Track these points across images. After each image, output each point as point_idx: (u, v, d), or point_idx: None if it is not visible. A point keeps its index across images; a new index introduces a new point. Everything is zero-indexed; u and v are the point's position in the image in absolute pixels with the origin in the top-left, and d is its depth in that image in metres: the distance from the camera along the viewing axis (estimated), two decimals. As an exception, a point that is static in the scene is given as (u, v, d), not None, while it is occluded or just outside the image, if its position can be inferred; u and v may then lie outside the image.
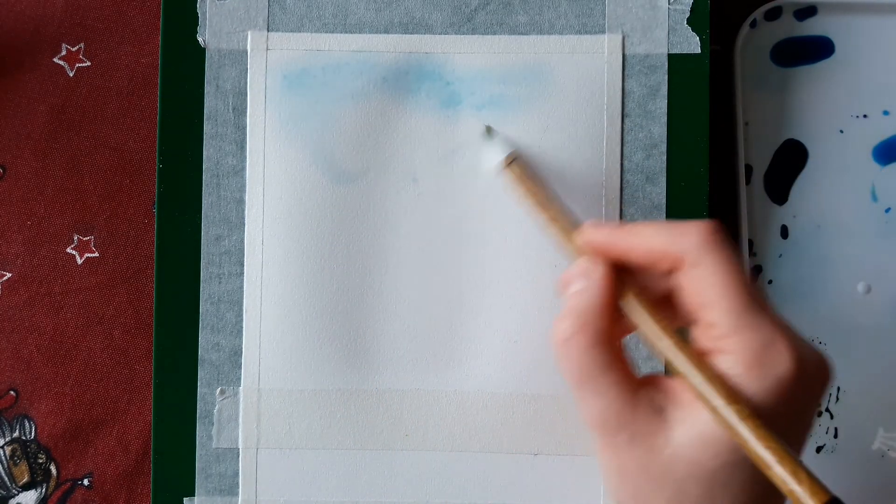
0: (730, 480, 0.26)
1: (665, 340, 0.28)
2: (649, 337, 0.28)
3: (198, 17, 0.38)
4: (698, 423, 0.27)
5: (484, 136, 0.37)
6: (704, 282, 0.27)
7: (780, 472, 0.25)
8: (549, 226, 0.32)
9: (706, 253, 0.27)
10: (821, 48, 0.41)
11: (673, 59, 0.38)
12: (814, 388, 0.28)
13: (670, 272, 0.29)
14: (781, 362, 0.26)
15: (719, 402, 0.26)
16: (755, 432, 0.25)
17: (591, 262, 0.29)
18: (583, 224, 0.31)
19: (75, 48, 0.41)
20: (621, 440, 0.27)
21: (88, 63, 0.41)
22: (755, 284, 0.28)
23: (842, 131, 0.40)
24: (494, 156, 0.36)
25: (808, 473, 0.25)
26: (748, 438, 0.25)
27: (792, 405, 0.26)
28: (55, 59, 0.41)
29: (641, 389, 0.28)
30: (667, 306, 0.29)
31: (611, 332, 0.28)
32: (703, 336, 0.28)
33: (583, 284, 0.29)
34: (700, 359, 0.27)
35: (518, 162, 0.35)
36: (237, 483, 0.37)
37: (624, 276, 0.29)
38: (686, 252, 0.28)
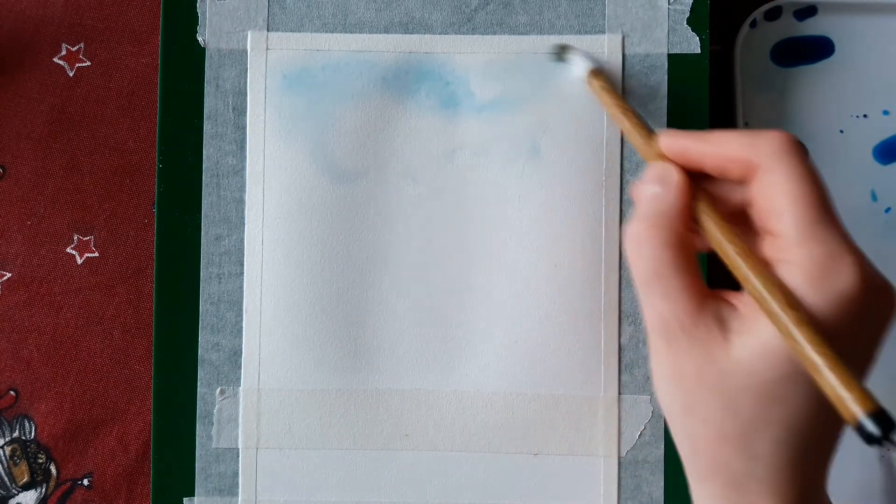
0: (785, 395, 0.26)
1: (729, 247, 0.27)
2: (716, 243, 0.28)
3: (198, 17, 0.38)
4: (760, 336, 0.26)
5: (557, 55, 0.37)
6: (776, 189, 0.27)
7: (829, 377, 0.24)
8: (629, 132, 0.32)
9: (781, 160, 0.27)
10: (821, 48, 0.41)
11: (673, 59, 0.38)
12: (878, 315, 0.27)
13: (743, 182, 0.28)
14: (845, 278, 0.26)
15: (776, 306, 0.25)
16: (808, 337, 0.24)
17: (667, 167, 0.29)
18: (660, 132, 0.31)
19: (75, 48, 0.41)
20: (681, 345, 0.27)
21: (88, 63, 0.41)
22: (826, 196, 0.27)
23: (842, 131, 0.40)
24: (578, 69, 0.36)
25: (859, 382, 0.24)
26: (801, 342, 0.24)
27: (853, 325, 0.26)
28: (55, 59, 0.41)
29: (709, 299, 0.28)
30: (739, 219, 0.29)
31: (684, 238, 0.28)
32: (770, 246, 0.28)
33: (658, 189, 0.29)
34: (763, 266, 0.27)
35: (601, 74, 0.35)
36: (237, 483, 0.37)
37: (698, 185, 0.29)
38: (761, 158, 0.27)
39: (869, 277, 0.26)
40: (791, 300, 0.25)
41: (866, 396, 0.23)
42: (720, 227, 0.28)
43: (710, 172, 0.29)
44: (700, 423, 0.27)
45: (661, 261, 0.28)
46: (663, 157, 0.30)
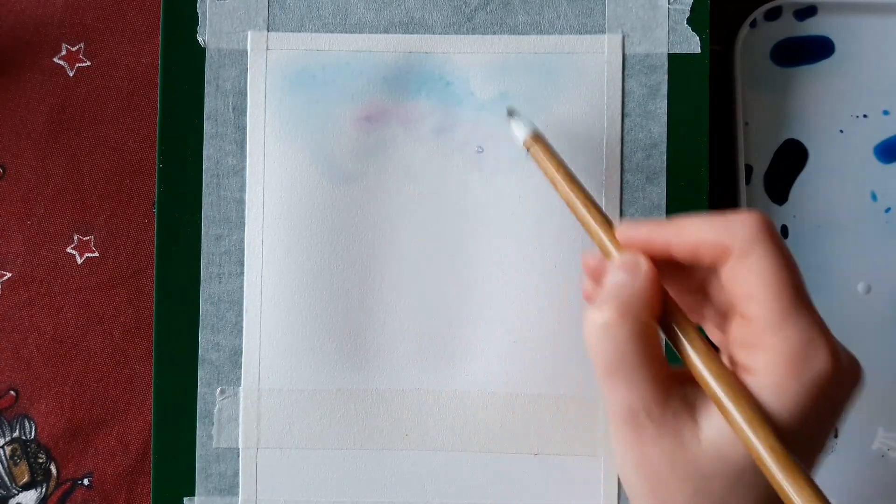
0: (755, 481, 0.26)
1: (697, 359, 0.27)
2: (681, 350, 0.28)
3: (198, 17, 0.38)
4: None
5: (508, 118, 0.36)
6: (751, 273, 0.27)
7: (783, 481, 0.25)
8: (582, 217, 0.32)
9: (757, 244, 0.27)
10: (821, 48, 0.41)
11: (673, 58, 0.38)
12: (847, 389, 0.27)
13: (712, 266, 0.28)
14: (820, 362, 0.26)
15: (742, 423, 0.26)
16: (775, 456, 0.25)
17: (638, 256, 0.29)
18: (619, 223, 0.30)
19: (75, 48, 0.41)
20: (649, 433, 0.27)
21: (88, 63, 0.41)
22: (801, 281, 0.27)
23: (842, 131, 0.40)
24: (522, 131, 0.35)
25: (815, 489, 0.24)
26: (769, 463, 0.25)
27: (827, 405, 0.26)
28: (55, 59, 0.41)
29: (675, 384, 0.27)
30: (695, 299, 0.29)
31: (652, 326, 0.28)
32: (740, 330, 0.27)
33: (627, 276, 0.28)
34: (728, 376, 0.26)
35: (541, 141, 0.34)
36: (237, 483, 0.37)
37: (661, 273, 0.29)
38: (736, 242, 0.27)
39: (840, 359, 0.26)
40: (756, 418, 0.25)
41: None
42: (684, 328, 0.28)
43: (678, 259, 0.29)
44: None
45: (626, 351, 0.27)
46: (625, 246, 0.30)
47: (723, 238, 0.27)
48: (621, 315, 0.27)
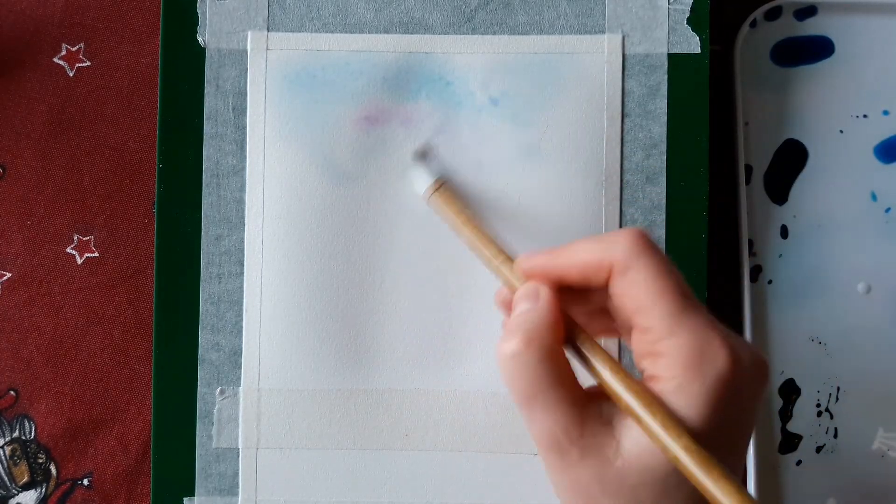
0: (682, 482, 0.26)
1: (603, 370, 0.28)
2: (588, 365, 0.29)
3: (198, 17, 0.38)
4: None
5: (416, 158, 0.37)
6: (637, 287, 0.28)
7: (705, 481, 0.25)
8: (480, 252, 0.33)
9: (635, 258, 0.28)
10: (821, 48, 0.41)
11: (673, 59, 0.38)
12: (752, 386, 0.28)
13: (602, 286, 0.29)
14: (718, 361, 0.26)
15: (655, 426, 0.26)
16: (689, 452, 0.25)
17: (537, 285, 0.30)
18: (516, 256, 0.31)
19: (75, 48, 0.41)
20: (572, 456, 0.27)
21: (88, 63, 0.41)
22: (686, 285, 0.28)
23: (842, 131, 0.40)
24: (421, 180, 0.36)
25: (737, 484, 0.25)
26: (683, 460, 0.25)
27: (732, 402, 0.27)
28: (55, 59, 0.41)
29: (590, 402, 0.28)
30: (602, 321, 0.30)
31: (558, 351, 0.28)
32: (639, 341, 0.28)
33: (528, 305, 0.29)
34: (634, 384, 0.27)
35: (446, 187, 0.35)
36: (237, 483, 0.37)
37: (563, 298, 0.30)
38: (617, 259, 0.28)
39: (739, 354, 0.27)
40: (666, 415, 0.26)
41: (748, 501, 0.25)
42: (589, 346, 0.28)
43: (574, 284, 0.29)
44: None
45: (537, 377, 0.28)
46: (526, 277, 0.30)
47: (604, 257, 0.28)
48: (527, 343, 0.28)
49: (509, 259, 0.32)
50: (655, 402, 0.26)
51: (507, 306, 0.32)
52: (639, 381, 0.27)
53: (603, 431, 0.27)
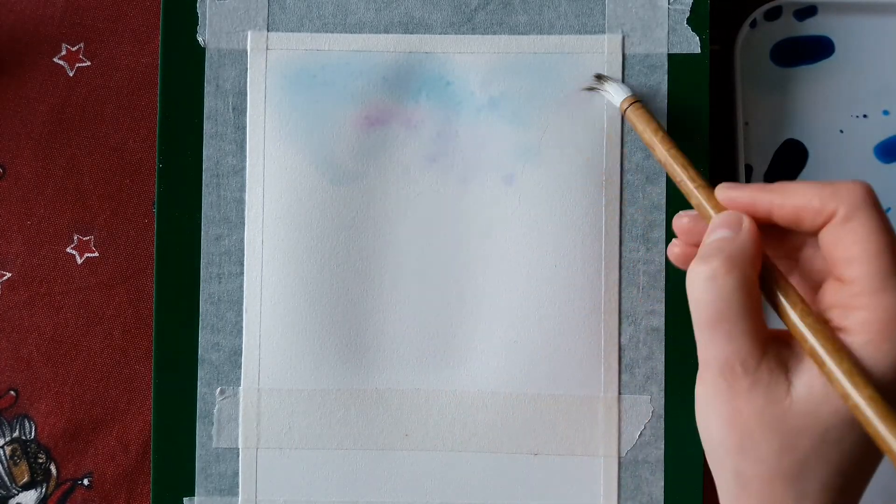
0: (840, 437, 0.27)
1: (790, 309, 0.28)
2: (777, 304, 0.29)
3: (198, 17, 0.38)
4: (821, 379, 0.27)
5: (595, 83, 0.37)
6: (854, 237, 0.27)
7: (886, 437, 0.25)
8: (675, 173, 0.33)
9: (861, 209, 0.28)
10: (821, 48, 0.41)
11: (673, 58, 0.38)
12: None
13: (810, 230, 0.29)
14: None
15: (837, 371, 0.27)
16: (874, 406, 0.26)
17: (739, 214, 0.30)
18: (718, 184, 0.31)
19: (75, 48, 0.41)
20: (742, 386, 0.28)
21: (88, 63, 0.41)
22: None
23: (842, 131, 0.40)
24: (619, 94, 0.36)
25: None
26: (867, 411, 0.26)
27: None
28: (55, 59, 0.41)
29: (770, 341, 0.28)
30: (784, 267, 0.30)
31: (754, 282, 0.29)
32: (838, 291, 0.28)
33: (730, 233, 0.29)
34: (823, 327, 0.27)
35: (639, 105, 0.35)
36: (237, 483, 0.37)
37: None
38: (841, 208, 0.28)
39: None
40: (855, 370, 0.26)
41: None
42: (782, 286, 0.29)
43: (778, 222, 0.29)
44: (754, 462, 0.28)
45: (731, 302, 0.28)
46: (726, 206, 0.31)
47: (829, 203, 0.28)
48: (727, 268, 0.28)
49: (706, 184, 0.31)
50: (844, 350, 0.27)
51: (687, 231, 0.32)
52: (829, 327, 0.28)
53: (779, 371, 0.28)
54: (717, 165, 0.39)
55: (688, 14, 0.38)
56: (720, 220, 0.30)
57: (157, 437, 0.37)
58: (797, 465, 0.27)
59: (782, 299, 0.28)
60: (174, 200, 0.38)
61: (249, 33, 0.38)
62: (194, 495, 0.37)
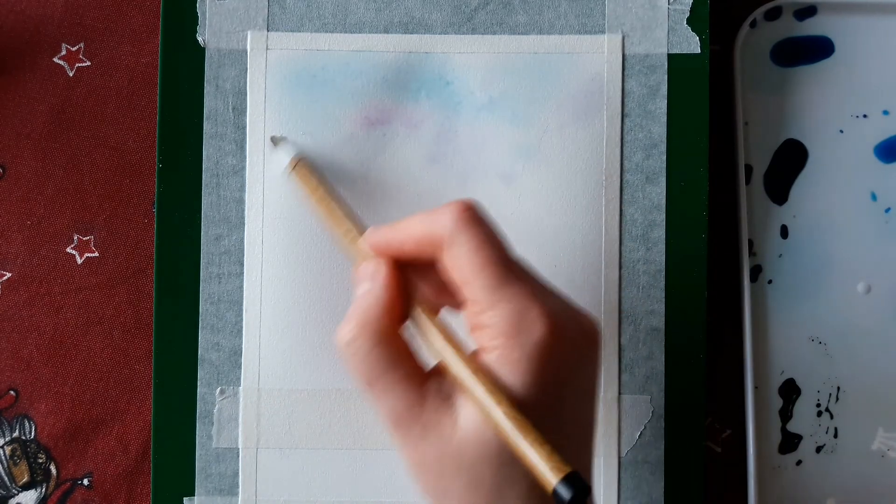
0: (515, 458, 0.27)
1: (435, 340, 0.28)
2: (423, 334, 0.29)
3: (198, 17, 0.38)
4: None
5: (271, 146, 0.37)
6: (461, 260, 0.28)
7: (527, 452, 0.25)
8: (333, 230, 0.33)
9: (458, 232, 0.28)
10: (821, 48, 0.41)
11: (673, 59, 0.38)
12: (579, 351, 0.28)
13: (440, 260, 0.29)
14: (536, 328, 0.27)
15: (477, 390, 0.27)
16: (505, 412, 0.26)
17: (375, 264, 0.30)
18: (367, 228, 0.31)
19: (75, 48, 0.41)
20: (415, 433, 0.28)
21: (88, 63, 0.41)
22: (510, 256, 0.29)
23: (842, 131, 0.40)
24: (281, 161, 0.36)
25: (550, 451, 0.25)
26: (498, 420, 0.26)
27: (555, 368, 0.27)
28: (55, 59, 0.41)
29: (429, 380, 0.28)
30: (451, 295, 0.30)
31: (395, 330, 0.29)
32: (468, 314, 0.28)
33: (368, 285, 0.29)
34: (462, 352, 0.28)
35: (303, 163, 0.35)
36: (237, 483, 0.37)
37: (410, 276, 0.30)
38: (442, 233, 0.28)
39: (558, 321, 0.27)
40: (489, 383, 0.27)
41: (558, 464, 0.25)
42: (424, 320, 0.29)
43: (412, 259, 0.29)
44: (458, 503, 0.28)
45: (374, 360, 0.28)
46: (371, 253, 0.30)
47: (433, 230, 0.28)
48: (360, 329, 0.28)
49: (360, 234, 0.31)
50: (480, 371, 0.27)
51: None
52: (463, 352, 0.28)
53: (442, 408, 0.28)
54: (717, 165, 0.39)
55: (687, 14, 0.38)
56: (360, 272, 0.30)
57: (157, 437, 0.37)
58: (492, 495, 0.27)
59: (426, 333, 0.29)
60: (174, 200, 0.38)
61: (249, 33, 0.38)
62: (194, 495, 0.37)
